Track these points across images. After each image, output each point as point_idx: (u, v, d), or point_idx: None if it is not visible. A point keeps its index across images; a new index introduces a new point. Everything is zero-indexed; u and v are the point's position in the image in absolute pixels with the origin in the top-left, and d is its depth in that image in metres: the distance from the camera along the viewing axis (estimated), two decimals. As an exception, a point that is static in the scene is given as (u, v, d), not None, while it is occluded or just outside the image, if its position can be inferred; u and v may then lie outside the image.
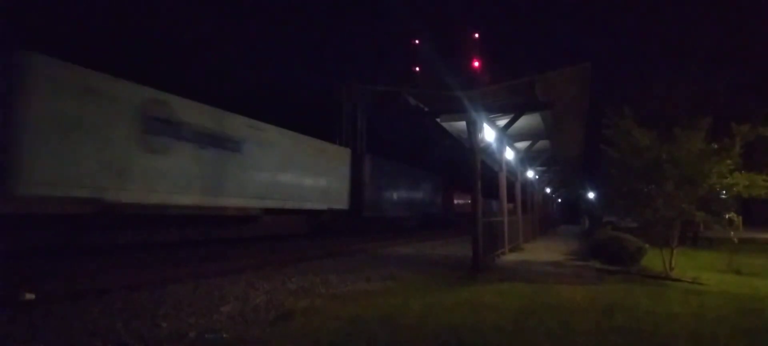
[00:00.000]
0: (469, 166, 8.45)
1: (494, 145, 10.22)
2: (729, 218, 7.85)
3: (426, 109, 9.60)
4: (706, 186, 7.32)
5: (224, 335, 3.96)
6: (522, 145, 13.21)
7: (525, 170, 15.54)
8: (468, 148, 8.60)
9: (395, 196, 23.31)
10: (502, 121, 9.54)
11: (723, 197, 7.77)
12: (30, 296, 5.08)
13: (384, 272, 8.03)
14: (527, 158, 14.88)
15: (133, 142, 9.46)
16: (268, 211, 13.66)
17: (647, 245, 8.37)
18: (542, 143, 13.48)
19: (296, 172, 15.14)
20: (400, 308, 4.91)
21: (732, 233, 8.45)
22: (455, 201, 35.09)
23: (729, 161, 7.23)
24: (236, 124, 12.53)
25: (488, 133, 9.42)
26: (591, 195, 35.56)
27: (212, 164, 11.54)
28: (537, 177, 19.98)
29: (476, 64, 21.39)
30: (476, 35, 22.52)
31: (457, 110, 8.58)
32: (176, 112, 10.49)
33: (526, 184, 16.90)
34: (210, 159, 11.44)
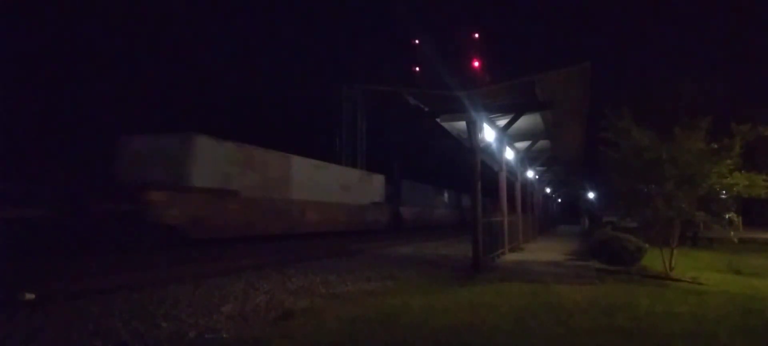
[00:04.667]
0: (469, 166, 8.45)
1: (494, 145, 10.21)
2: (729, 218, 7.84)
3: (426, 109, 9.58)
4: (705, 186, 7.32)
5: (224, 335, 3.96)
6: (522, 145, 13.20)
7: (525, 170, 15.53)
8: (468, 148, 8.59)
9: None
10: (502, 121, 9.53)
11: (723, 197, 7.76)
12: (30, 296, 5.08)
13: (384, 272, 8.03)
14: (527, 158, 14.86)
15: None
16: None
17: (647, 245, 8.36)
18: (542, 143, 13.47)
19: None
20: (400, 309, 4.91)
21: (732, 233, 8.44)
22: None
23: (729, 161, 7.22)
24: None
25: (488, 133, 9.42)
26: (591, 195, 35.57)
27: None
28: (537, 177, 19.97)
29: (476, 64, 21.38)
30: (476, 35, 22.52)
31: (457, 110, 8.58)
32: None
33: (526, 184, 16.89)
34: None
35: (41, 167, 13.89)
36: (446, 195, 36.47)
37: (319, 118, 33.58)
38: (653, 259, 8.21)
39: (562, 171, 22.71)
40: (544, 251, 11.91)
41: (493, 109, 8.85)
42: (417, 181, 30.85)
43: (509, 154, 12.01)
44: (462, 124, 9.32)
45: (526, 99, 8.56)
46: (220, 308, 4.94)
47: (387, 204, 24.62)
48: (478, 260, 7.90)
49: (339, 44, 55.25)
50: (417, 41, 25.52)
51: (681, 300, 5.39)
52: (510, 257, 10.28)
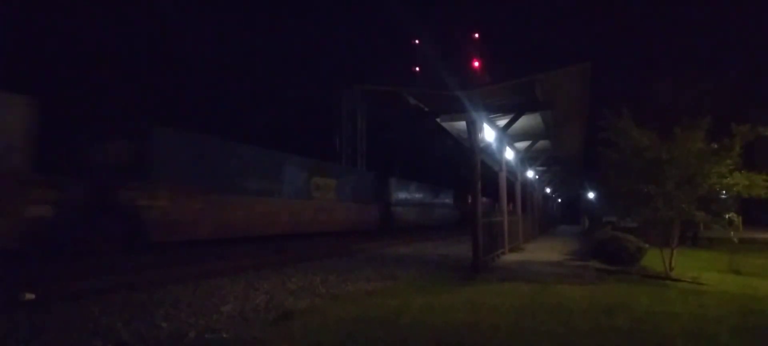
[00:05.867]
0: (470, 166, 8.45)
1: (494, 145, 10.21)
2: (729, 218, 7.84)
3: (426, 109, 9.59)
4: (706, 186, 7.32)
5: (224, 335, 3.96)
6: (522, 145, 13.21)
7: (525, 170, 15.53)
8: (468, 148, 8.59)
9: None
10: (502, 121, 9.53)
11: (723, 197, 7.76)
12: (30, 296, 5.08)
13: (384, 272, 8.03)
14: (527, 158, 14.87)
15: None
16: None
17: (647, 245, 8.36)
18: (542, 143, 13.47)
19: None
20: (400, 308, 4.91)
21: (732, 233, 8.44)
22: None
23: (729, 161, 7.22)
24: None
25: (488, 133, 9.42)
26: (591, 195, 35.55)
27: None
28: (537, 177, 19.97)
29: (476, 64, 21.32)
30: (476, 35, 22.47)
31: (457, 110, 8.57)
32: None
33: (526, 184, 16.89)
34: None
35: None
36: (353, 179, 21.77)
37: (319, 118, 33.53)
38: (653, 259, 8.21)
39: (562, 171, 22.71)
40: (544, 251, 11.91)
41: (493, 109, 8.86)
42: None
43: (509, 154, 12.01)
44: (462, 124, 9.32)
45: (526, 99, 8.56)
46: (220, 308, 4.94)
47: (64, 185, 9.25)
48: (478, 260, 7.90)
49: (339, 44, 55.26)
50: (417, 41, 25.53)
51: (681, 300, 5.38)
52: (510, 257, 10.28)
